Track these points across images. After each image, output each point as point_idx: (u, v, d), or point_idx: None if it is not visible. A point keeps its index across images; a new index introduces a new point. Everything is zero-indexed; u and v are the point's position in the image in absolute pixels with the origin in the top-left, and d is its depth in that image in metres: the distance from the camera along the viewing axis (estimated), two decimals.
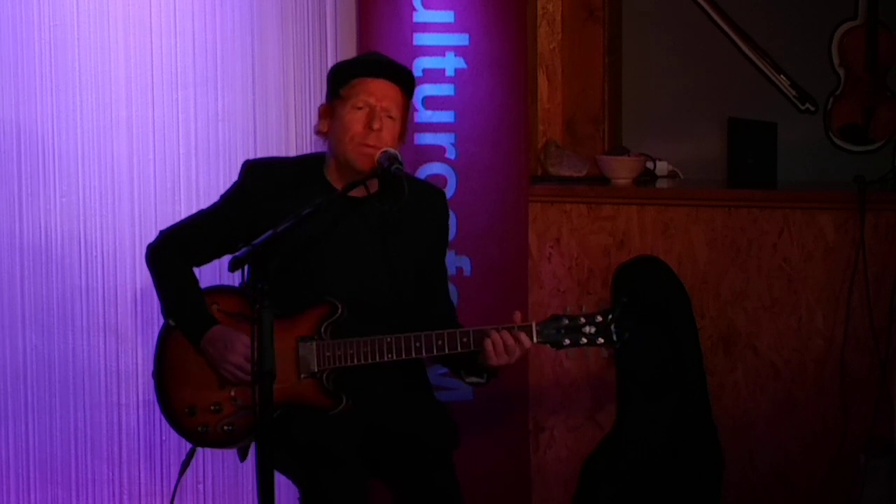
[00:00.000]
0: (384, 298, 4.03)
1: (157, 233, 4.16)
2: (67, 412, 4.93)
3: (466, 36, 4.91)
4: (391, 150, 3.93)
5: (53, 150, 4.87)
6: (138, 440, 4.96)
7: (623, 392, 5.17)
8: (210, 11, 4.92)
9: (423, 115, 4.85)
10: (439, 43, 4.90)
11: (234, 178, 4.14)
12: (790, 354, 5.02)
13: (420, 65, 4.82)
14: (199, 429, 4.02)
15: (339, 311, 3.97)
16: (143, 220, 4.90)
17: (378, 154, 3.92)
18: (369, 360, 3.94)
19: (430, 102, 4.86)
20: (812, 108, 5.50)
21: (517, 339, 3.92)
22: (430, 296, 4.12)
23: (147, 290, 4.83)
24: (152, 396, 4.16)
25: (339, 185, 4.00)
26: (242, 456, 4.08)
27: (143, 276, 4.83)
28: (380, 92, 3.98)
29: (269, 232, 3.65)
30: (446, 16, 4.89)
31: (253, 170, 4.10)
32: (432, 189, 4.26)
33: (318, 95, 4.99)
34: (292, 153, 4.94)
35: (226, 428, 4.02)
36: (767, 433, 5.05)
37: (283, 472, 4.04)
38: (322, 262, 4.01)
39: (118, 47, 4.87)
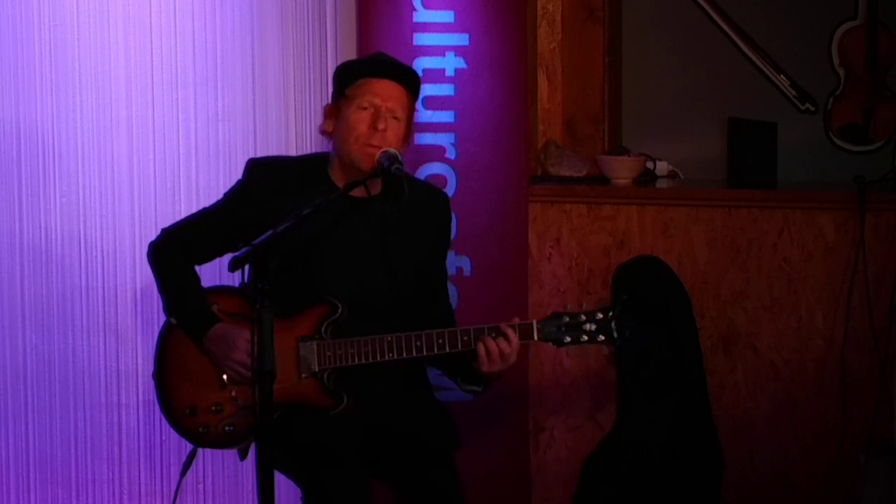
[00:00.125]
0: (384, 298, 4.03)
1: (158, 232, 4.16)
2: (67, 412, 4.93)
3: (466, 36, 4.91)
4: (391, 150, 3.93)
5: (53, 150, 4.87)
6: (138, 440, 4.96)
7: (623, 392, 5.17)
8: (210, 11, 4.92)
9: (423, 115, 4.85)
10: (439, 43, 4.90)
11: (235, 178, 4.14)
12: (790, 354, 5.02)
13: (420, 65, 4.82)
14: (200, 429, 4.02)
15: (340, 310, 3.97)
16: (143, 220, 4.90)
17: (378, 154, 3.92)
18: (370, 360, 3.94)
19: (430, 102, 4.86)
20: (812, 108, 5.50)
21: (507, 338, 3.91)
22: (429, 296, 4.12)
23: (147, 290, 4.83)
24: (152, 396, 4.16)
25: (343, 185, 4.00)
26: (242, 455, 4.08)
27: (143, 275, 4.83)
28: (385, 92, 3.98)
29: (270, 232, 3.65)
30: (446, 16, 4.89)
31: (257, 169, 4.10)
32: (434, 190, 4.26)
33: (318, 95, 4.99)
34: (292, 153, 4.94)
35: (227, 428, 4.02)
36: (767, 433, 5.05)
37: (284, 472, 4.04)
38: (322, 262, 4.01)
39: (118, 47, 4.87)
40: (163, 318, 4.14)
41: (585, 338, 3.95)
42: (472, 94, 4.92)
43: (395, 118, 3.98)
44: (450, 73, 4.90)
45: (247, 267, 3.59)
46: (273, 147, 4.96)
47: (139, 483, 4.97)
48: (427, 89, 4.84)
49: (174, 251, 4.10)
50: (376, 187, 4.01)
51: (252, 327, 3.63)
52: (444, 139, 4.92)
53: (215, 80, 4.93)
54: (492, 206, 4.96)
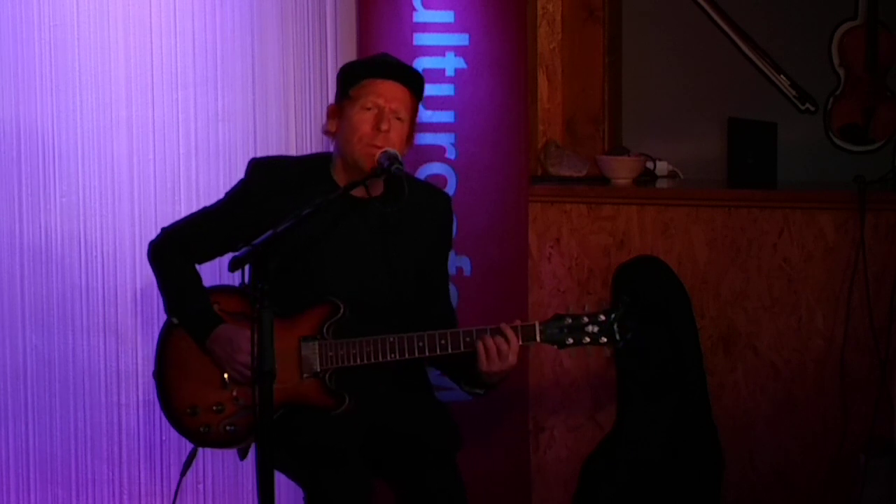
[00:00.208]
0: (384, 298, 4.03)
1: (158, 232, 4.16)
2: (67, 412, 4.93)
3: (466, 36, 4.91)
4: (391, 150, 3.93)
5: (53, 150, 4.87)
6: (138, 440, 4.96)
7: (623, 392, 5.17)
8: (210, 11, 4.92)
9: (423, 115, 4.82)
10: (439, 43, 4.90)
11: (235, 178, 4.14)
12: (790, 354, 5.02)
13: (420, 65, 4.82)
14: (202, 429, 4.02)
15: (342, 310, 3.97)
16: (143, 220, 4.90)
17: (378, 154, 3.92)
18: (372, 360, 3.94)
19: (430, 102, 4.85)
20: (812, 108, 5.50)
21: (506, 337, 3.91)
22: (430, 296, 4.12)
23: (147, 290, 4.83)
24: (152, 396, 4.16)
25: (345, 186, 4.00)
26: (242, 455, 4.08)
27: (143, 275, 4.83)
28: (389, 93, 3.98)
29: (270, 232, 3.65)
30: (446, 16, 4.89)
31: (259, 168, 4.10)
32: (435, 190, 4.26)
33: (318, 95, 4.99)
34: (292, 153, 4.94)
35: (228, 428, 4.02)
36: (767, 433, 5.05)
37: (285, 472, 4.04)
38: (322, 262, 4.01)
39: (118, 47, 4.87)
40: (163, 317, 4.14)
41: (588, 339, 3.96)
42: (472, 94, 4.92)
43: (399, 119, 3.98)
44: (450, 73, 4.90)
45: (247, 267, 3.59)
46: (273, 147, 4.96)
47: (139, 483, 4.97)
48: (427, 89, 4.79)
49: (174, 250, 4.10)
50: (379, 188, 4.01)
51: (252, 327, 3.63)
52: (444, 139, 4.92)
53: (215, 80, 4.93)
54: (492, 206, 4.96)
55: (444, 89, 4.90)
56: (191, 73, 4.91)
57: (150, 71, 4.89)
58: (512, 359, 3.93)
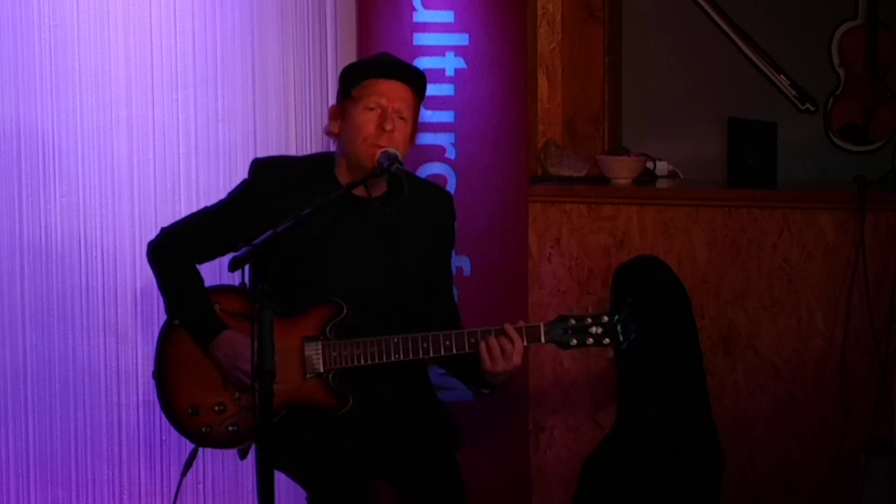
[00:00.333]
0: (384, 298, 4.03)
1: (158, 232, 4.16)
2: (67, 412, 4.92)
3: (466, 36, 4.91)
4: (391, 150, 3.93)
5: (53, 150, 4.87)
6: (138, 440, 4.96)
7: (623, 392, 5.17)
8: (210, 11, 4.92)
9: (424, 115, 4.82)
10: (439, 43, 4.90)
11: (235, 178, 4.14)
12: (790, 354, 5.02)
13: (420, 65, 4.81)
14: (204, 429, 4.02)
15: (344, 311, 3.97)
16: (143, 219, 4.90)
17: (378, 154, 3.92)
18: (376, 361, 3.94)
19: (430, 102, 4.83)
20: (812, 108, 5.50)
21: (510, 339, 3.91)
22: (431, 296, 4.12)
23: (147, 290, 4.83)
24: (152, 396, 4.15)
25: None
26: (242, 455, 4.08)
27: (143, 275, 4.83)
28: (392, 93, 3.98)
29: (270, 232, 3.65)
30: (446, 16, 4.89)
31: (262, 168, 4.10)
32: (436, 189, 4.26)
33: (319, 95, 4.99)
34: (292, 153, 4.94)
35: (230, 429, 4.01)
36: (767, 433, 5.05)
37: (289, 474, 4.04)
38: (322, 262, 4.01)
39: (118, 47, 4.87)
40: (163, 317, 4.14)
41: (591, 341, 3.96)
42: (472, 94, 4.92)
43: (402, 118, 3.98)
44: (450, 73, 4.90)
45: (248, 267, 3.58)
46: (273, 147, 4.95)
47: (139, 483, 4.97)
48: (427, 89, 4.83)
49: (175, 251, 4.09)
50: (381, 188, 4.01)
51: (252, 327, 3.62)
52: (444, 139, 4.92)
53: (215, 80, 4.93)
54: (492, 206, 4.96)
55: (444, 89, 4.90)
56: (191, 73, 4.91)
57: (150, 71, 4.89)
58: (516, 359, 3.94)
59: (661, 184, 5.42)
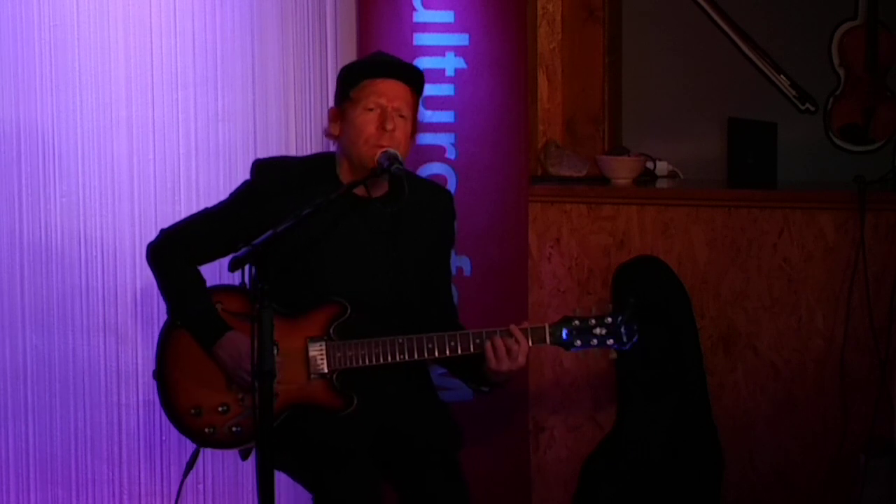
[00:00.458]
0: (384, 298, 4.03)
1: (158, 232, 4.15)
2: (67, 412, 4.92)
3: (466, 36, 4.91)
4: (391, 150, 3.93)
5: (53, 150, 4.87)
6: (138, 440, 4.96)
7: (623, 392, 5.17)
8: (210, 11, 4.92)
9: (423, 115, 4.83)
10: (439, 43, 4.90)
11: (235, 177, 4.14)
12: (790, 354, 5.02)
13: (420, 65, 4.80)
14: (207, 430, 4.01)
15: (348, 311, 3.97)
16: (143, 219, 4.90)
17: (378, 154, 3.92)
18: (381, 361, 3.94)
19: (430, 102, 4.85)
20: (812, 108, 5.50)
21: (516, 340, 3.92)
22: (431, 295, 4.12)
23: (147, 290, 4.83)
24: (152, 396, 4.15)
25: None
26: (244, 455, 4.08)
27: (143, 275, 4.83)
28: (390, 92, 3.98)
29: (270, 232, 3.65)
30: (446, 16, 4.89)
31: (264, 169, 4.09)
32: (437, 188, 4.26)
33: (318, 95, 4.99)
34: (292, 153, 4.94)
35: (234, 429, 4.01)
36: (767, 433, 5.05)
37: (293, 475, 4.03)
38: (322, 262, 4.01)
39: (118, 47, 4.87)
40: (163, 317, 4.13)
41: (595, 342, 3.97)
42: (472, 94, 4.91)
43: (402, 116, 3.98)
44: (450, 73, 4.90)
45: (248, 267, 3.58)
46: (273, 147, 4.95)
47: (139, 483, 4.97)
48: (427, 89, 4.80)
49: (175, 252, 4.09)
50: (383, 188, 4.01)
51: (252, 326, 3.62)
52: (444, 139, 4.92)
53: (215, 80, 4.93)
54: (492, 206, 4.96)
55: (444, 89, 4.90)
56: (191, 73, 4.91)
57: (150, 71, 4.89)
58: (521, 360, 3.95)
59: (661, 184, 5.42)
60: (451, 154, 4.92)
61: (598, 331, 3.97)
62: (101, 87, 4.87)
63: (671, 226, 5.11)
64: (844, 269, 4.94)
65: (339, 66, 4.24)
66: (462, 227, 4.69)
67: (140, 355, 4.91)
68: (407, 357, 3.94)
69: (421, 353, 3.94)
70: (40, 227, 4.87)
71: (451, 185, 4.89)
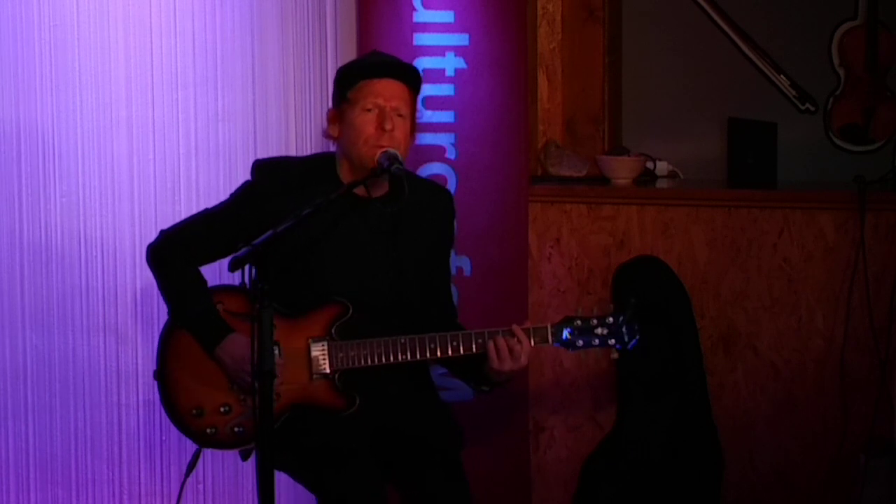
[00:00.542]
0: (384, 298, 4.03)
1: (158, 233, 4.15)
2: (67, 412, 4.92)
3: (466, 36, 4.91)
4: (391, 150, 3.92)
5: (53, 150, 4.87)
6: (138, 440, 4.96)
7: (623, 392, 5.17)
8: (210, 11, 4.92)
9: (423, 115, 4.83)
10: (439, 43, 4.90)
11: (235, 177, 4.14)
12: (790, 354, 5.02)
13: (420, 65, 4.82)
14: (208, 430, 4.01)
15: (350, 311, 3.97)
16: (143, 220, 4.90)
17: (378, 154, 3.92)
18: (383, 361, 3.94)
19: (430, 102, 4.85)
20: (812, 108, 5.50)
21: (519, 339, 3.92)
22: (430, 296, 4.12)
23: (147, 290, 4.83)
24: (152, 396, 4.15)
25: None
26: (245, 456, 4.07)
27: (143, 275, 4.83)
28: (387, 92, 3.98)
29: (270, 232, 3.65)
30: (446, 16, 4.89)
31: (264, 169, 4.09)
32: (437, 188, 4.26)
33: (318, 95, 4.99)
34: (292, 153, 4.94)
35: (235, 429, 4.01)
36: (767, 433, 5.05)
37: (295, 476, 4.03)
38: (322, 262, 4.01)
39: (118, 47, 4.87)
40: (163, 317, 4.13)
41: (597, 342, 3.99)
42: (472, 94, 4.92)
43: (400, 115, 3.98)
44: (450, 73, 4.90)
45: (248, 266, 3.58)
46: (273, 147, 4.95)
47: (139, 483, 4.97)
48: (427, 89, 4.84)
49: (176, 253, 4.08)
50: (383, 188, 4.01)
51: (252, 326, 3.62)
52: (444, 139, 4.92)
53: (215, 80, 4.93)
54: (492, 206, 4.96)
55: (444, 89, 4.90)
56: (191, 73, 4.91)
57: (150, 71, 4.89)
58: (524, 360, 3.96)
59: (661, 184, 5.42)
60: (451, 154, 4.92)
61: (599, 331, 3.98)
62: (101, 87, 4.87)
63: (671, 226, 5.11)
64: (844, 269, 4.94)
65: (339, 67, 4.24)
66: (462, 227, 4.69)
67: (140, 355, 4.91)
68: (409, 357, 3.94)
69: (423, 352, 3.94)
70: (40, 227, 4.87)
71: (451, 185, 4.89)
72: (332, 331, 3.97)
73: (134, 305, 4.92)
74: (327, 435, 3.95)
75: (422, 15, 4.88)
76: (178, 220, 4.22)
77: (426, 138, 4.85)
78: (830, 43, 5.45)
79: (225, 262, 3.72)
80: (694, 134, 5.56)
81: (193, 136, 4.94)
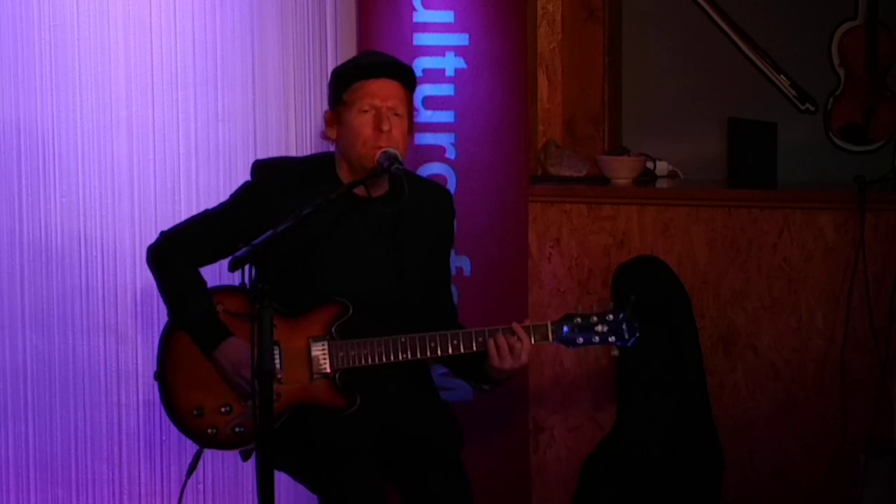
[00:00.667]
0: (384, 298, 4.03)
1: (158, 233, 4.15)
2: (67, 412, 4.92)
3: (466, 36, 4.91)
4: (390, 150, 3.93)
5: (53, 150, 4.87)
6: (138, 440, 4.96)
7: (623, 392, 5.17)
8: (210, 11, 4.92)
9: (423, 115, 4.85)
10: (439, 43, 4.90)
11: (235, 177, 4.14)
12: (790, 354, 5.02)
13: (420, 65, 4.82)
14: (209, 431, 4.00)
15: (350, 310, 3.97)
16: (143, 220, 4.90)
17: (378, 154, 3.92)
18: (383, 360, 3.94)
19: (430, 102, 4.85)
20: (812, 108, 5.50)
21: (519, 337, 3.93)
22: (430, 296, 4.12)
23: (147, 290, 4.83)
24: (152, 396, 4.15)
25: None
26: (246, 456, 4.07)
27: (143, 276, 4.83)
28: (383, 92, 3.97)
29: (270, 232, 3.65)
30: (446, 16, 4.89)
31: (264, 170, 4.09)
32: (437, 188, 4.25)
33: (319, 95, 4.99)
34: (292, 153, 4.94)
35: (237, 430, 4.00)
36: (767, 433, 5.05)
37: (296, 477, 4.02)
38: (322, 262, 4.01)
39: (118, 47, 4.87)
40: (163, 317, 4.13)
41: (597, 339, 3.99)
42: (472, 94, 4.91)
43: (397, 115, 3.98)
44: (450, 73, 4.90)
45: (248, 267, 3.58)
46: (273, 147, 4.95)
47: (139, 483, 4.97)
48: (427, 89, 4.85)
49: (176, 254, 4.08)
50: (383, 188, 4.01)
51: (252, 326, 3.62)
52: (444, 139, 4.92)
53: (215, 80, 4.93)
54: (492, 206, 4.96)
55: (444, 89, 4.90)
56: (191, 73, 4.91)
57: (150, 71, 4.89)
58: (524, 357, 3.96)
59: (661, 184, 5.42)
60: (451, 154, 4.92)
61: (600, 328, 3.98)
62: (101, 87, 4.87)
63: (671, 226, 5.11)
64: (844, 269, 4.94)
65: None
66: (462, 227, 4.69)
67: (140, 355, 4.91)
68: (410, 356, 3.94)
69: (423, 351, 3.94)
70: (40, 227, 4.87)
71: (451, 185, 4.89)
72: (333, 330, 3.97)
73: (134, 306, 4.92)
74: (328, 435, 3.95)
75: (422, 15, 4.88)
76: (178, 220, 4.22)
77: (426, 138, 4.85)
78: (830, 43, 5.45)
79: (225, 262, 3.72)
80: (694, 134, 5.56)
81: (193, 136, 4.94)
